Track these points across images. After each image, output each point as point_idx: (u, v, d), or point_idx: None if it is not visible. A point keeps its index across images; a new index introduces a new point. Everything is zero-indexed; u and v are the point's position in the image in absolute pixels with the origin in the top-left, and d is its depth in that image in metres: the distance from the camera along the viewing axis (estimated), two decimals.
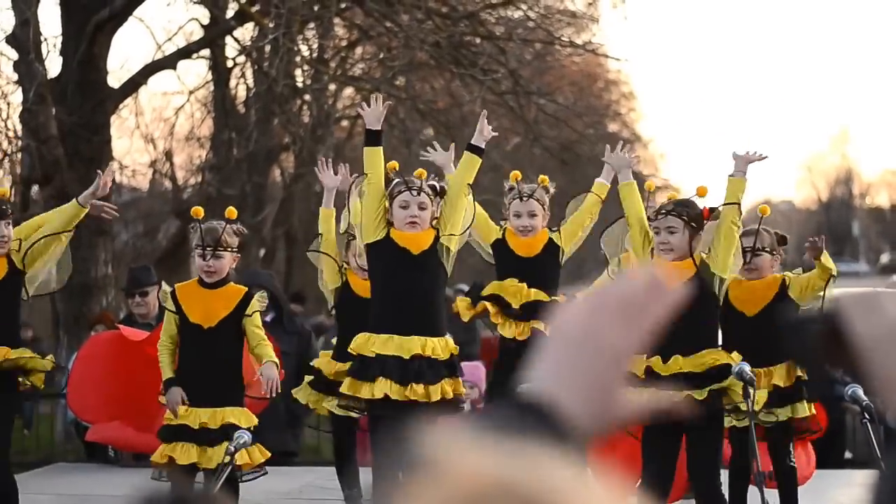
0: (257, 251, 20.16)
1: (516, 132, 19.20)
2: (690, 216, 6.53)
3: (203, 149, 19.85)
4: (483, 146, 6.91)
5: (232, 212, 6.89)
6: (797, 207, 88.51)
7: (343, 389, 6.63)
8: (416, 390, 6.45)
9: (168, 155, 19.42)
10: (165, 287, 6.90)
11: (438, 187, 6.89)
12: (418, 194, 6.76)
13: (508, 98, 15.42)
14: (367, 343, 6.61)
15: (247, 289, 6.84)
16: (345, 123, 20.19)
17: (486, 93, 14.79)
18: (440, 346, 6.60)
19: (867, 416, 6.53)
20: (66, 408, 10.10)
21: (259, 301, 6.79)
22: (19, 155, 14.46)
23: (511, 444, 1.06)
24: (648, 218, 6.69)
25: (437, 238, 6.77)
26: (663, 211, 6.56)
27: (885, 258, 66.82)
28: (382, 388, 6.46)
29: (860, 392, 6.59)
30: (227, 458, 6.12)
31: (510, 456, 1.03)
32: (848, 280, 59.29)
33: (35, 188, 14.27)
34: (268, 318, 9.15)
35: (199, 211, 6.78)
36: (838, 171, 78.00)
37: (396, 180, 6.83)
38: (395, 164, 7.01)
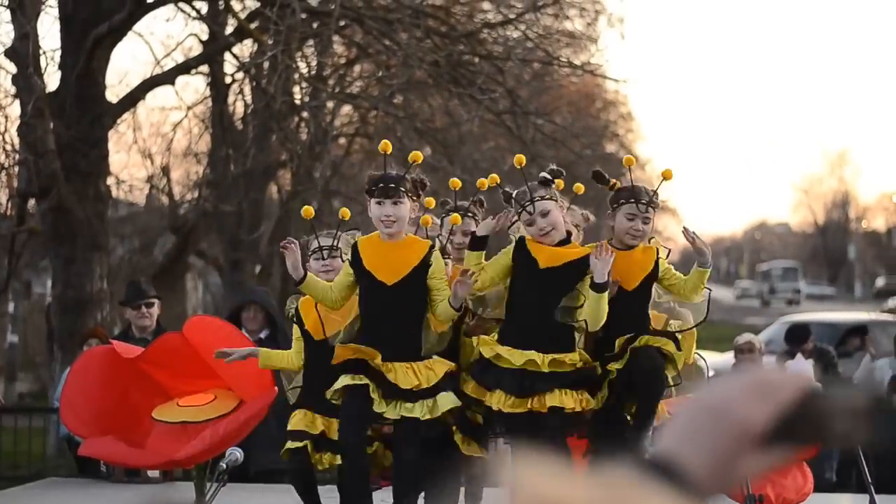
0: (253, 268, 20.17)
1: (513, 152, 19.20)
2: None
3: (200, 165, 19.89)
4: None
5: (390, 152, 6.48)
6: (793, 230, 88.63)
7: (468, 391, 6.39)
8: (534, 401, 6.21)
9: (165, 170, 19.44)
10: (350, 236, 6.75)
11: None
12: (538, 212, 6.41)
13: (506, 118, 15.45)
14: (492, 350, 6.36)
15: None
16: (342, 141, 20.21)
17: (484, 112, 14.82)
18: (567, 360, 6.30)
19: None
20: (59, 422, 10.08)
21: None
22: (16, 168, 14.47)
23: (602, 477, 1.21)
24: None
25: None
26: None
27: (880, 282, 66.87)
28: (499, 399, 6.25)
29: None
30: (218, 475, 6.12)
31: (591, 484, 1.16)
32: (841, 304, 59.19)
33: (32, 202, 14.27)
34: (263, 335, 9.14)
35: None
36: (835, 194, 78.15)
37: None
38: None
